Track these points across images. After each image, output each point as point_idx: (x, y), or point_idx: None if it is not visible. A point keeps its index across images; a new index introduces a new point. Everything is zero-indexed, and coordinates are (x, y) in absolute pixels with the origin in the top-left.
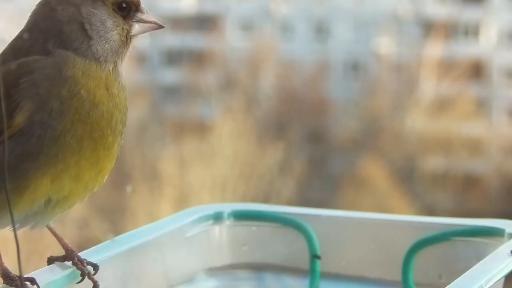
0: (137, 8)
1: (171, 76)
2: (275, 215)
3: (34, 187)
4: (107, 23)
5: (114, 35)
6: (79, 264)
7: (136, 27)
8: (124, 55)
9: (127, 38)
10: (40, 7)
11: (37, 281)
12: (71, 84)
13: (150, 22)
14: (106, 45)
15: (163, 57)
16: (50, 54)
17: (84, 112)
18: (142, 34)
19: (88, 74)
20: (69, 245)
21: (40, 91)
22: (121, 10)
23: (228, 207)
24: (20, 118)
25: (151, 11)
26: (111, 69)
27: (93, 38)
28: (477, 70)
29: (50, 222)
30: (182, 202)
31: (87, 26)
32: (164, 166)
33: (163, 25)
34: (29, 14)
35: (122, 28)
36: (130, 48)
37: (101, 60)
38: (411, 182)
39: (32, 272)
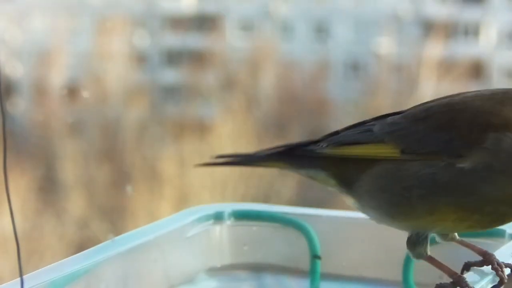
0: None
1: (171, 76)
2: (276, 215)
3: (437, 217)
4: None
5: None
6: (499, 269)
7: None
8: None
9: None
10: None
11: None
12: None
13: None
14: None
15: (163, 57)
16: None
17: None
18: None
19: None
20: (483, 249)
21: None
22: None
23: (228, 207)
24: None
25: (151, 11)
26: None
27: None
28: (477, 70)
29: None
30: (182, 202)
31: None
32: (164, 166)
33: None
34: None
35: None
36: None
37: None
38: None
39: None
